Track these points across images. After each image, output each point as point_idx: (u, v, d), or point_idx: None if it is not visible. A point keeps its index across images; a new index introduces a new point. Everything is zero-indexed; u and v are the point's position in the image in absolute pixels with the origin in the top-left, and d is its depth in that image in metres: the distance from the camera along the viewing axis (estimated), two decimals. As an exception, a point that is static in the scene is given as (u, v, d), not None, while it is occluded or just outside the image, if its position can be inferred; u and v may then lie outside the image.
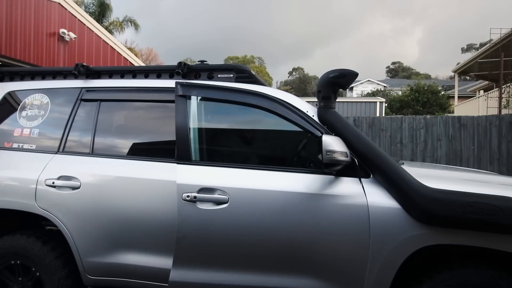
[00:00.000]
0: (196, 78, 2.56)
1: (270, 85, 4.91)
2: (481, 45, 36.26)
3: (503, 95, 12.89)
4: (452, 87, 25.29)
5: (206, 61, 2.65)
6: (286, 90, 10.77)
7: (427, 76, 51.79)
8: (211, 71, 2.55)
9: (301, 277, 2.12)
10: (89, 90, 2.69)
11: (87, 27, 10.54)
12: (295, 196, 2.12)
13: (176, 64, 2.54)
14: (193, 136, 2.36)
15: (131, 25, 23.47)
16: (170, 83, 2.52)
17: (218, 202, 2.17)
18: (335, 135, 2.13)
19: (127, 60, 12.11)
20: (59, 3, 9.52)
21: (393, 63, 64.88)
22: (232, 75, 2.51)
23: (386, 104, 20.54)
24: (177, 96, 2.42)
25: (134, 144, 2.59)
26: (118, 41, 12.43)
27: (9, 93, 2.84)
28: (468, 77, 25.12)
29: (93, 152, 2.52)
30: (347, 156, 2.02)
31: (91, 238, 2.36)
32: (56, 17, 9.43)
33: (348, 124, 2.23)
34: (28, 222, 2.66)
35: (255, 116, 2.51)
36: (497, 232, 1.87)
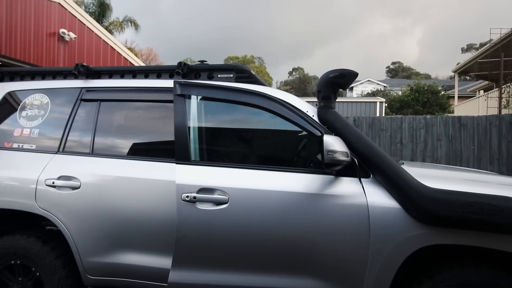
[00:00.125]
0: (196, 78, 2.56)
1: (270, 85, 4.91)
2: (481, 45, 36.27)
3: (503, 95, 12.89)
4: (452, 87, 25.29)
5: (206, 61, 2.65)
6: (286, 90, 10.78)
7: (427, 76, 51.80)
8: (211, 71, 2.55)
9: (301, 277, 2.12)
10: (89, 90, 2.69)
11: (87, 27, 10.54)
12: (295, 196, 2.12)
13: (176, 64, 2.54)
14: (192, 136, 2.36)
15: (131, 25, 23.47)
16: (170, 83, 2.52)
17: (218, 203, 2.17)
18: (335, 135, 2.13)
19: (127, 60, 12.11)
20: (59, 3, 9.52)
21: (393, 63, 64.89)
22: (232, 75, 2.51)
23: (386, 104, 20.54)
24: (176, 96, 2.42)
25: (134, 144, 2.59)
26: (118, 41, 12.43)
27: (9, 93, 2.84)
28: (468, 77, 25.12)
29: (93, 152, 2.52)
30: (347, 156, 2.02)
31: (91, 238, 2.36)
32: (56, 17, 9.43)
33: (348, 124, 2.23)
34: (28, 222, 2.66)
35: (254, 116, 2.51)
36: (497, 232, 1.87)
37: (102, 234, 2.35)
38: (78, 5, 16.10)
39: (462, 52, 56.88)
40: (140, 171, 2.37)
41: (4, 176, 2.55)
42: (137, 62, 13.05)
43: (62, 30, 9.53)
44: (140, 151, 2.55)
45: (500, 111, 12.56)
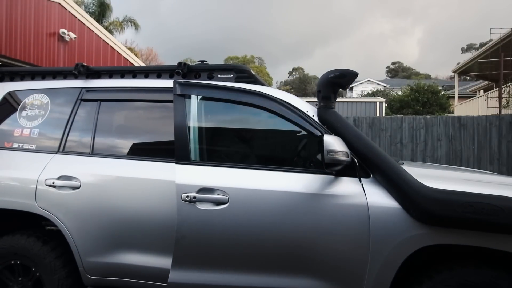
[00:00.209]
0: (196, 78, 2.56)
1: (270, 85, 4.91)
2: (481, 45, 36.27)
3: (503, 95, 12.89)
4: (452, 87, 25.29)
5: (206, 61, 2.65)
6: (286, 90, 10.78)
7: (427, 76, 51.79)
8: (211, 71, 2.55)
9: (301, 277, 2.12)
10: (89, 90, 2.69)
11: (87, 27, 10.54)
12: (295, 196, 2.12)
13: (176, 64, 2.54)
14: (191, 135, 2.36)
15: (131, 25, 23.47)
16: (170, 83, 2.52)
17: (218, 202, 2.17)
18: (335, 135, 2.13)
19: (127, 60, 12.11)
20: (59, 3, 9.52)
21: (393, 63, 64.89)
22: (232, 75, 2.51)
23: (386, 104, 20.54)
24: (175, 95, 2.42)
25: (134, 144, 2.59)
26: (118, 41, 12.43)
27: (9, 93, 2.84)
28: (468, 77, 25.12)
29: (93, 152, 2.52)
30: (347, 156, 2.02)
31: (91, 238, 2.36)
32: (56, 17, 9.43)
33: (348, 124, 2.23)
34: (28, 222, 2.66)
35: (254, 116, 2.51)
36: (497, 232, 1.87)
37: (102, 234, 2.35)
38: (78, 5, 16.10)
39: (462, 52, 56.92)
40: (140, 171, 2.37)
41: (4, 176, 2.55)
42: (137, 62, 13.05)
43: (62, 30, 9.53)
44: (140, 151, 2.55)
45: (500, 111, 12.56)
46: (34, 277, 2.45)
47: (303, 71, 59.53)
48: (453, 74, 22.30)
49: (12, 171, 2.57)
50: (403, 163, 2.70)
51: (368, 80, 39.47)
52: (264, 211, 2.12)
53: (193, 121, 2.40)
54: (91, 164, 2.47)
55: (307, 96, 29.95)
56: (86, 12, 15.87)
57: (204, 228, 2.16)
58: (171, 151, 2.34)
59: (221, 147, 2.57)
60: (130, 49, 18.86)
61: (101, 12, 21.46)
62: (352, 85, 24.27)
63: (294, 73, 61.32)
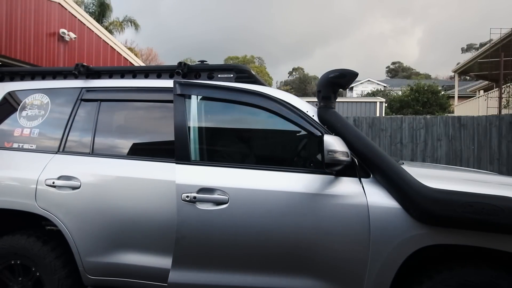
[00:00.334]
0: (196, 78, 2.56)
1: (270, 85, 4.91)
2: (481, 45, 36.27)
3: (503, 95, 12.89)
4: (452, 87, 25.29)
5: (206, 61, 2.65)
6: (286, 90, 10.77)
7: (427, 76, 51.79)
8: (211, 71, 2.55)
9: (301, 278, 2.12)
10: (89, 90, 2.69)
11: (87, 27, 10.54)
12: (295, 196, 2.12)
13: (176, 64, 2.54)
14: (191, 135, 2.36)
15: (131, 25, 23.47)
16: (170, 83, 2.52)
17: (218, 203, 2.16)
18: (335, 135, 2.13)
19: (127, 60, 12.11)
20: (59, 3, 9.52)
21: (393, 63, 64.89)
22: (232, 75, 2.51)
23: (386, 104, 20.54)
24: (175, 95, 2.42)
25: (134, 144, 2.59)
26: (118, 41, 12.42)
27: (9, 93, 2.84)
28: (468, 77, 25.12)
29: (93, 152, 2.52)
30: (347, 156, 2.02)
31: (91, 238, 2.36)
32: (56, 17, 9.43)
33: (348, 124, 2.23)
34: (28, 222, 2.66)
35: (254, 116, 2.51)
36: (497, 232, 1.87)
37: (102, 234, 2.35)
38: (78, 5, 16.10)
39: (462, 52, 56.92)
40: (140, 171, 2.37)
41: (4, 176, 2.55)
42: (137, 62, 13.05)
43: (62, 30, 9.53)
44: (140, 151, 2.55)
45: (500, 111, 12.56)
46: (34, 277, 2.45)
47: (303, 71, 59.54)
48: (453, 74, 22.29)
49: (12, 171, 2.57)
50: (403, 163, 2.70)
51: (368, 80, 39.46)
52: (264, 211, 2.12)
53: (193, 121, 2.40)
54: (91, 164, 2.47)
55: (307, 96, 29.95)
56: (86, 12, 15.87)
57: (204, 228, 2.16)
58: (171, 151, 2.34)
59: (221, 147, 2.57)
60: (130, 49, 18.87)
61: (101, 12, 21.46)
62: (352, 85, 24.27)
63: (294, 73, 61.32)
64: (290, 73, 62.14)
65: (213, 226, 2.15)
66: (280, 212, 2.11)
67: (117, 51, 11.66)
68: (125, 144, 2.60)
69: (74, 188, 2.41)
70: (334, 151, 1.98)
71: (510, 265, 1.97)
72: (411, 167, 2.50)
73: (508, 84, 12.96)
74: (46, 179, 2.45)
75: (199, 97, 2.44)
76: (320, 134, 2.20)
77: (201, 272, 2.20)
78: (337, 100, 2.44)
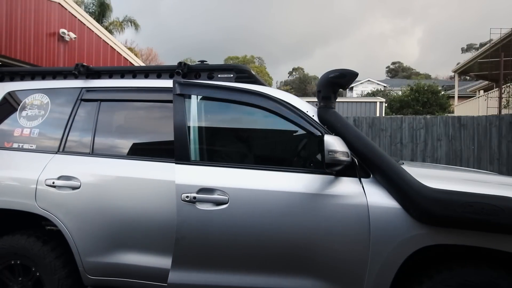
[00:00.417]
0: (196, 78, 2.56)
1: (270, 85, 4.91)
2: (481, 45, 36.27)
3: (503, 95, 12.89)
4: (452, 87, 25.29)
5: (206, 61, 2.65)
6: (286, 90, 10.77)
7: (427, 76, 51.79)
8: (211, 71, 2.55)
9: (301, 278, 2.12)
10: (89, 90, 2.69)
11: (87, 27, 10.54)
12: (295, 196, 2.12)
13: (176, 64, 2.54)
14: (191, 135, 2.35)
15: (131, 25, 23.48)
16: (170, 83, 2.52)
17: (218, 203, 2.16)
18: (335, 135, 2.13)
19: (127, 60, 12.11)
20: (59, 3, 9.52)
21: (393, 63, 64.89)
22: (232, 75, 2.51)
23: (386, 104, 20.54)
24: (175, 95, 2.41)
25: (134, 144, 2.59)
26: (118, 41, 12.42)
27: (9, 93, 2.84)
28: (468, 77, 25.12)
29: (93, 152, 2.52)
30: (348, 156, 2.02)
31: (91, 238, 2.36)
32: (56, 17, 9.43)
33: (348, 124, 2.23)
34: (28, 222, 2.66)
35: (254, 115, 2.51)
36: (497, 232, 1.87)
37: (102, 234, 2.35)
38: (78, 5, 16.10)
39: (462, 52, 56.93)
40: (140, 171, 2.37)
41: (4, 176, 2.55)
42: (137, 62, 13.05)
43: (62, 30, 9.53)
44: (140, 151, 2.55)
45: (500, 111, 12.56)
46: (34, 277, 2.45)
47: (303, 71, 59.55)
48: (453, 74, 22.29)
49: (12, 171, 2.57)
50: (403, 163, 2.70)
51: (368, 80, 39.46)
52: (264, 211, 2.12)
53: (193, 121, 2.39)
54: (91, 164, 2.47)
55: (307, 96, 29.94)
56: (86, 12, 15.87)
57: (204, 228, 2.16)
58: (171, 151, 2.34)
59: (220, 147, 2.57)
60: (130, 49, 18.86)
61: (101, 12, 21.47)
62: (352, 85, 24.27)
63: (294, 73, 61.33)
64: (290, 73, 62.16)
65: (213, 227, 2.15)
66: (280, 212, 2.11)
67: (117, 51, 11.66)
68: (125, 144, 2.60)
69: (74, 188, 2.41)
70: (335, 151, 1.98)
71: (510, 265, 1.97)
72: (411, 167, 2.50)
73: (508, 84, 12.96)
74: (46, 179, 2.45)
75: (199, 96, 2.43)
76: (320, 134, 2.20)
77: (201, 273, 2.20)
78: (337, 100, 2.44)
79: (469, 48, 54.70)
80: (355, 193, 2.08)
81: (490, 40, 14.64)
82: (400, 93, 23.29)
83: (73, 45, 10.00)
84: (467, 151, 7.83)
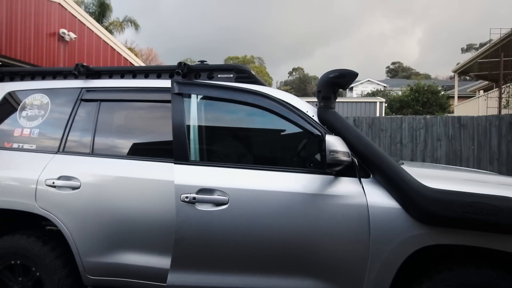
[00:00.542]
0: (196, 78, 2.56)
1: (270, 85, 4.90)
2: (481, 45, 36.26)
3: (503, 95, 12.89)
4: (452, 87, 25.28)
5: (206, 61, 2.64)
6: (286, 90, 10.77)
7: (427, 76, 51.78)
8: (211, 71, 2.55)
9: (301, 278, 2.12)
10: (89, 90, 2.69)
11: (87, 27, 10.54)
12: (295, 197, 2.12)
13: (176, 64, 2.54)
14: (190, 135, 2.35)
15: (131, 25, 23.50)
16: (170, 83, 2.52)
17: (218, 203, 2.16)
18: (335, 135, 2.13)
19: (127, 60, 12.11)
20: (59, 3, 9.52)
21: (393, 63, 64.88)
22: (232, 75, 2.50)
23: (386, 104, 20.54)
24: (173, 94, 2.41)
25: (134, 144, 2.59)
26: (118, 41, 12.42)
27: (9, 93, 2.84)
28: (468, 77, 25.11)
29: (93, 152, 2.52)
30: (349, 156, 2.02)
31: (91, 238, 2.36)
32: (56, 17, 9.43)
33: (348, 124, 2.23)
34: (29, 222, 2.66)
35: (253, 115, 2.50)
36: (497, 232, 1.87)
37: (102, 234, 2.35)
38: (78, 5, 16.09)
39: (462, 52, 56.92)
40: (140, 171, 2.37)
41: (4, 176, 2.55)
42: (137, 62, 13.05)
43: (62, 30, 9.53)
44: (140, 151, 2.55)
45: (500, 111, 12.56)
46: (34, 277, 2.45)
47: (303, 71, 59.54)
48: (453, 74, 22.28)
49: (12, 171, 2.57)
50: (403, 163, 2.70)
51: (368, 80, 39.46)
52: (265, 211, 2.12)
53: (191, 120, 2.39)
54: (91, 164, 2.47)
55: (307, 96, 29.94)
56: (86, 12, 15.85)
57: (204, 229, 2.15)
58: (171, 151, 2.34)
59: (220, 147, 2.57)
60: (130, 49, 18.85)
61: (101, 12, 21.47)
62: (352, 85, 24.25)
63: (294, 73, 61.31)
64: (290, 73, 62.14)
65: (213, 227, 2.15)
66: (280, 212, 2.11)
67: (117, 51, 11.66)
68: (125, 144, 2.60)
69: (74, 188, 2.41)
70: (336, 151, 1.98)
71: (510, 265, 1.97)
72: (411, 167, 2.50)
73: (508, 84, 12.96)
74: (46, 179, 2.45)
75: (197, 96, 2.43)
76: (320, 134, 2.20)
77: (201, 274, 2.19)
78: (337, 100, 2.44)
79: (469, 48, 54.71)
80: (355, 193, 2.08)
81: (490, 40, 14.64)
82: (400, 93, 23.28)
83: (73, 45, 10.00)
84: (467, 151, 7.83)
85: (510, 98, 12.57)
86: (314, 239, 2.07)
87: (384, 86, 37.06)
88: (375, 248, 2.00)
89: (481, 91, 20.45)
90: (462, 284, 1.91)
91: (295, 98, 2.44)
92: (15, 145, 2.66)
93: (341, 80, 2.28)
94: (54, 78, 2.85)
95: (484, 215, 1.83)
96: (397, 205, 2.01)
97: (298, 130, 2.32)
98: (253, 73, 2.54)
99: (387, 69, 64.79)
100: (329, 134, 2.13)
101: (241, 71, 2.51)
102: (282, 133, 2.51)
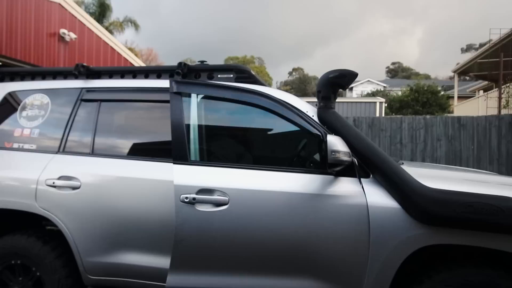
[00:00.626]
0: (196, 78, 2.56)
1: (270, 85, 4.90)
2: (481, 45, 36.22)
3: (502, 95, 12.89)
4: (452, 87, 25.27)
5: (206, 62, 2.65)
6: (286, 90, 10.76)
7: (427, 76, 51.77)
8: (211, 71, 2.55)
9: (301, 278, 2.12)
10: (89, 90, 2.70)
11: (87, 27, 10.54)
12: (295, 197, 2.12)
13: (176, 64, 2.55)
14: (189, 135, 2.34)
15: (131, 25, 23.52)
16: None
17: (218, 204, 2.15)
18: (335, 135, 2.13)
19: (127, 60, 12.11)
20: (59, 3, 9.52)
21: (393, 63, 64.94)
22: (232, 75, 2.51)
23: (386, 104, 20.54)
24: (172, 94, 2.40)
25: (134, 144, 2.59)
26: (118, 42, 12.42)
27: (9, 93, 2.84)
28: (468, 77, 25.10)
29: (93, 152, 2.52)
30: (349, 157, 2.02)
31: (91, 238, 2.36)
32: (56, 17, 9.43)
33: (348, 124, 2.23)
34: (29, 222, 2.67)
35: (253, 115, 2.50)
36: (497, 232, 1.88)
37: (102, 234, 2.35)
38: (78, 5, 16.09)
39: (462, 52, 57.01)
40: (140, 171, 2.37)
41: (5, 176, 2.55)
42: (137, 62, 13.05)
43: (62, 30, 9.53)
44: (140, 151, 2.55)
45: (499, 111, 12.55)
46: (34, 277, 2.45)
47: (303, 71, 59.58)
48: (452, 74, 22.27)
49: (12, 171, 2.57)
50: (402, 163, 2.70)
51: (368, 80, 39.47)
52: (265, 212, 2.12)
53: (190, 120, 2.38)
54: (91, 164, 2.47)
55: (307, 96, 29.92)
56: (86, 12, 15.83)
57: (203, 230, 2.15)
58: (171, 151, 2.34)
59: (219, 147, 2.57)
60: (130, 49, 18.85)
61: (101, 12, 21.48)
62: (352, 85, 24.24)
63: (294, 73, 61.33)
64: (290, 73, 62.16)
65: (213, 228, 2.14)
66: (280, 212, 2.11)
67: (117, 52, 11.66)
68: (125, 144, 2.60)
69: (74, 188, 2.41)
70: (337, 151, 1.98)
71: (510, 265, 1.97)
72: (410, 167, 2.50)
73: (508, 84, 12.96)
74: (46, 179, 2.45)
75: (196, 95, 2.43)
76: (320, 135, 2.20)
77: (200, 275, 2.19)
78: (337, 100, 2.44)
79: (468, 48, 54.78)
80: (355, 193, 2.08)
81: (490, 40, 14.64)
82: (400, 93, 23.29)
83: (73, 45, 10.00)
84: (467, 151, 7.83)
85: (509, 98, 12.58)
86: (314, 240, 2.07)
87: (384, 86, 37.08)
88: (375, 248, 2.00)
89: (481, 91, 20.45)
90: (462, 284, 1.91)
91: (295, 98, 2.44)
92: (15, 145, 2.66)
93: (341, 80, 2.28)
94: (54, 78, 2.85)
95: (484, 215, 1.83)
96: (397, 205, 2.01)
97: (298, 130, 2.33)
98: (253, 73, 2.55)
99: (387, 69, 64.86)
100: (330, 134, 2.13)
101: (241, 71, 2.51)
102: (282, 133, 2.51)
